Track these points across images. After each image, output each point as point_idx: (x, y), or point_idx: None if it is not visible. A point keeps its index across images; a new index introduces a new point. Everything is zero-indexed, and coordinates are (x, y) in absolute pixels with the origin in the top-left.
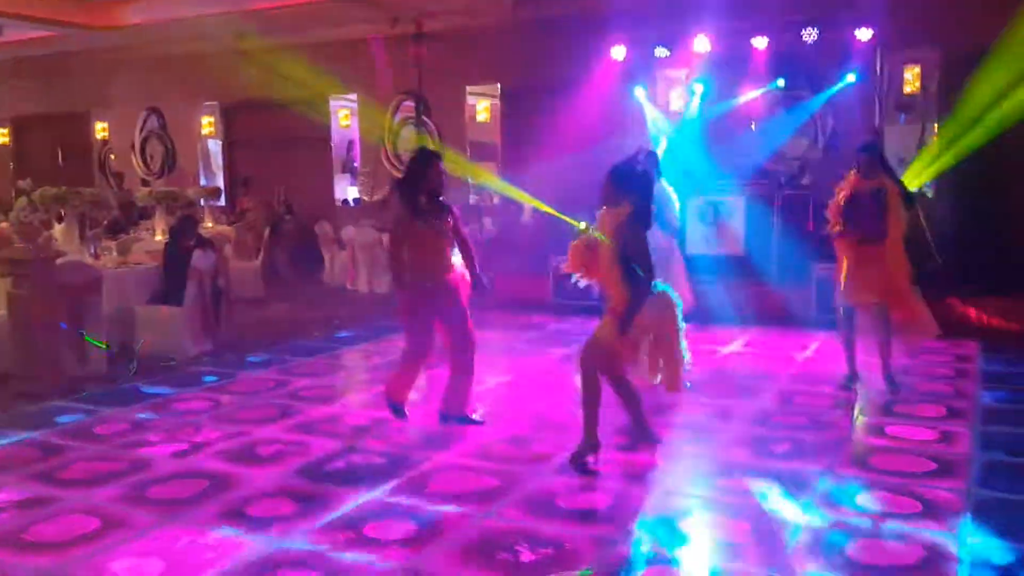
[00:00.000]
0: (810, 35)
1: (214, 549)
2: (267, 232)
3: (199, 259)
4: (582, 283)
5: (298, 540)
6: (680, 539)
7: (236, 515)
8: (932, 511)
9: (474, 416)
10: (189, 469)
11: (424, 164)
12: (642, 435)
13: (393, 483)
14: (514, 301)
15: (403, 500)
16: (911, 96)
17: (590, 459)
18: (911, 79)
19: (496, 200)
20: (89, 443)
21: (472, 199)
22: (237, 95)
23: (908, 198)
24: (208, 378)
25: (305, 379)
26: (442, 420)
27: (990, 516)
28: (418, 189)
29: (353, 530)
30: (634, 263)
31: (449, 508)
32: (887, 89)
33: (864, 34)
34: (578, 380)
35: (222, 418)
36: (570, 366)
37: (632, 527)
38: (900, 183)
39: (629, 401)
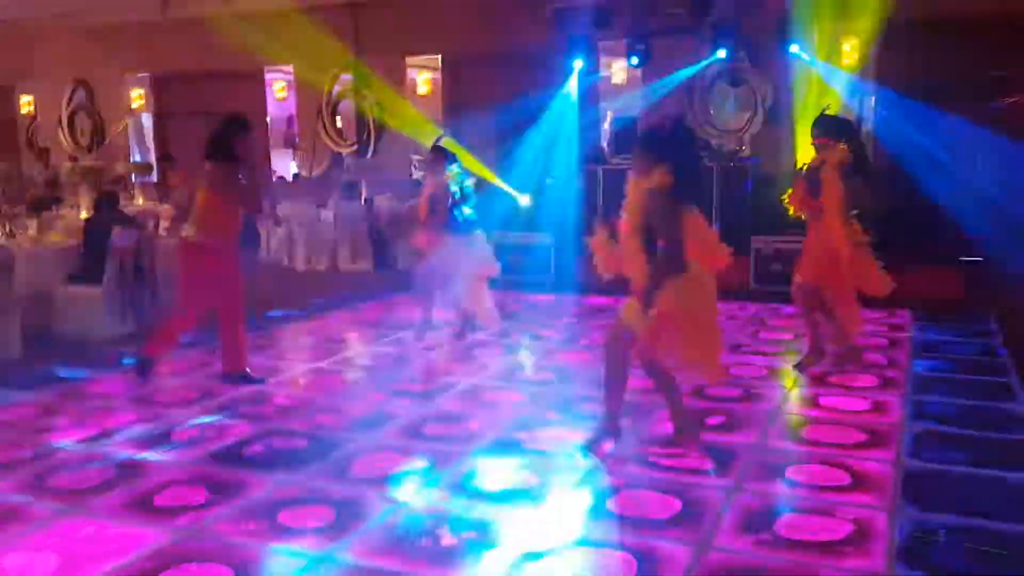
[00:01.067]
0: (749, 5)
1: (115, 542)
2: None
3: (119, 237)
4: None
5: (207, 531)
6: (608, 516)
7: (142, 505)
8: (861, 483)
9: (251, 373)
10: (96, 456)
11: (231, 132)
12: (683, 429)
13: (314, 467)
14: None
15: (323, 485)
16: (849, 68)
17: (606, 446)
18: (849, 51)
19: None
20: None
21: (416, 174)
22: (167, 66)
23: (857, 165)
24: (127, 360)
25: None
26: (226, 381)
27: (920, 488)
28: (224, 156)
29: (267, 518)
30: (656, 236)
31: (371, 492)
32: (827, 61)
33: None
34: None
35: (138, 401)
36: (506, 340)
37: (559, 505)
38: (856, 149)
39: (666, 390)
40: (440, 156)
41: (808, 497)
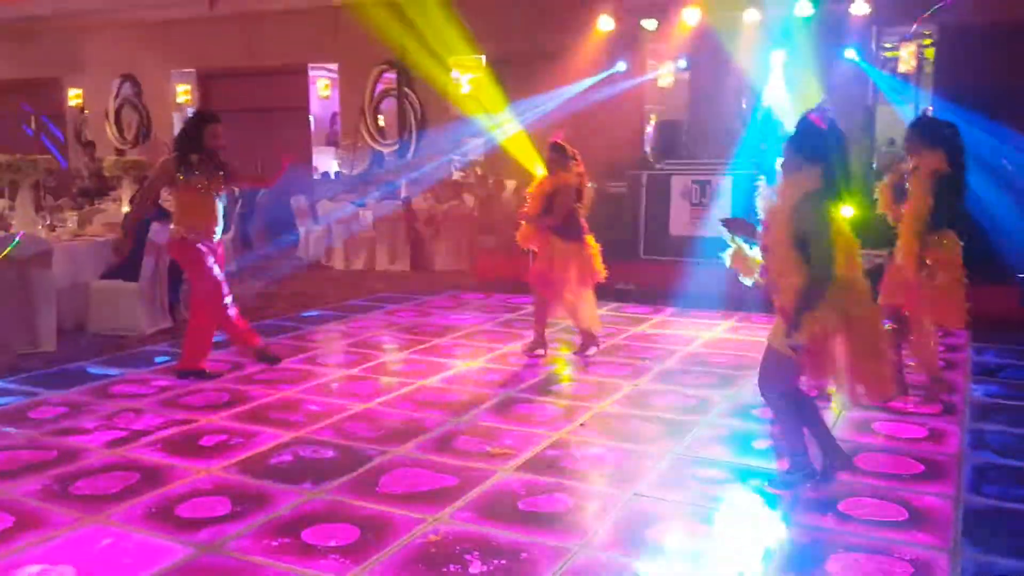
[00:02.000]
0: (804, 8)
1: (133, 555)
2: (238, 205)
3: (157, 232)
4: (748, 282)
5: (228, 545)
6: (647, 548)
7: (164, 515)
8: (920, 520)
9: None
10: (122, 461)
11: (198, 126)
12: (835, 461)
13: (341, 480)
14: (491, 281)
15: (349, 500)
16: (905, 74)
17: (805, 489)
18: (906, 57)
19: (475, 176)
20: (20, 428)
21: (455, 175)
22: (213, 62)
23: (953, 178)
24: (160, 358)
25: (263, 361)
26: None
27: (981, 526)
28: (191, 148)
29: (290, 535)
30: (810, 244)
31: (398, 510)
32: (882, 67)
33: (860, 8)
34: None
35: (167, 403)
36: (542, 350)
37: (596, 534)
38: (955, 159)
39: (805, 422)
40: (560, 154)
41: (862, 534)
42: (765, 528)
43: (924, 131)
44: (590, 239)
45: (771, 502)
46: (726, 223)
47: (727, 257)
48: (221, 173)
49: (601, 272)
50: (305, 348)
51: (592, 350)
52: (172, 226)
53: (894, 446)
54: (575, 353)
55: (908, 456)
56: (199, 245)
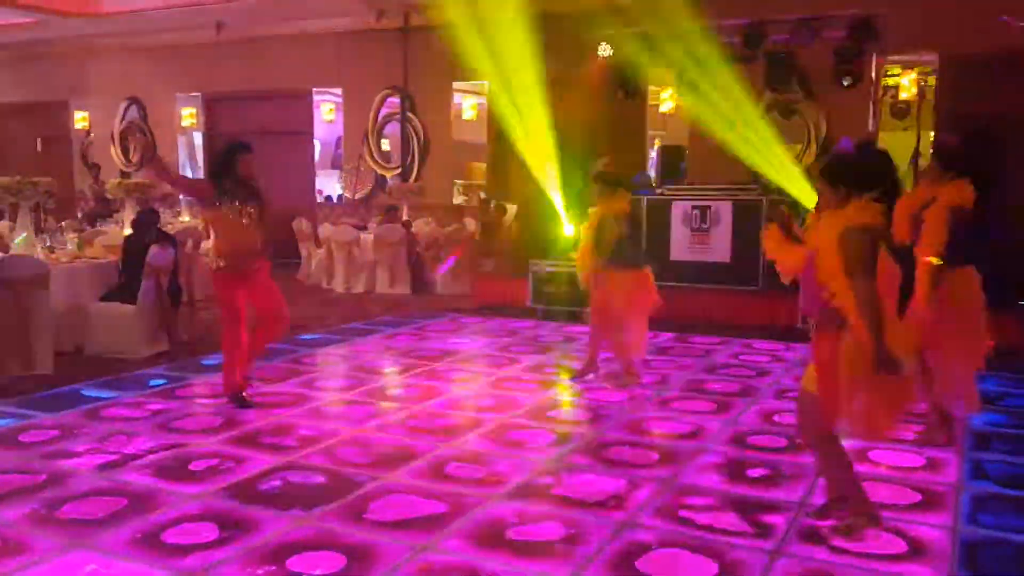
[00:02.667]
0: (804, 36)
1: None
2: None
3: (155, 256)
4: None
5: (212, 573)
6: None
7: (150, 541)
8: (916, 551)
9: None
10: (111, 485)
11: (231, 154)
12: (859, 507)
13: (330, 506)
14: (491, 305)
15: (337, 527)
16: (906, 102)
17: (869, 533)
18: (907, 84)
19: (478, 201)
20: (9, 451)
21: (457, 200)
22: (219, 86)
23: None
24: (155, 382)
25: (257, 385)
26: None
27: (979, 558)
28: (224, 176)
29: (275, 563)
30: (856, 275)
31: (386, 538)
32: (882, 94)
33: (861, 35)
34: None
35: (160, 427)
36: (540, 375)
37: (587, 564)
38: (982, 188)
39: (838, 467)
40: (606, 184)
41: (857, 566)
42: (758, 560)
43: (950, 158)
44: (646, 267)
45: (764, 533)
46: (777, 215)
47: (766, 233)
48: (256, 200)
49: (655, 298)
50: (302, 371)
51: (590, 376)
52: (211, 251)
53: (891, 475)
54: (614, 386)
55: (905, 486)
56: (235, 276)
